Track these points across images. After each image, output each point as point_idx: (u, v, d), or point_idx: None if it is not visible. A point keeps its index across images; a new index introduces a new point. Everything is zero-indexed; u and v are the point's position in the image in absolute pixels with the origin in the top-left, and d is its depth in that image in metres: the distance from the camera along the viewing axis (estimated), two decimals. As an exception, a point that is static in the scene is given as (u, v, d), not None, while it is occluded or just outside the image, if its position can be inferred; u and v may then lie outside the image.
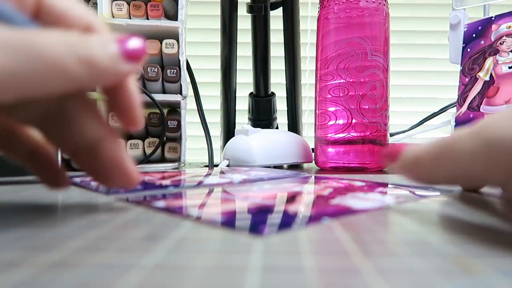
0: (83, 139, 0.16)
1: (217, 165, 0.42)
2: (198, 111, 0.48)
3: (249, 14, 0.53)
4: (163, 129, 0.43)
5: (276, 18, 0.55)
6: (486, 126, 0.13)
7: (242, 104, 0.59)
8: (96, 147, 0.16)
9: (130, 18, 0.44)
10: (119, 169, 0.16)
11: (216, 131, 0.57)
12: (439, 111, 0.60)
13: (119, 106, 0.16)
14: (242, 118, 0.60)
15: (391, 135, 0.57)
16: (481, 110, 0.46)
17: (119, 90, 0.16)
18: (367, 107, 0.41)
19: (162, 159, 0.45)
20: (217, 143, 0.56)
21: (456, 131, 0.15)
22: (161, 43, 0.43)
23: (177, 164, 0.44)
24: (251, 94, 0.56)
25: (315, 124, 0.44)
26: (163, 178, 0.29)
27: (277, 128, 0.58)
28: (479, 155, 0.13)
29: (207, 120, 0.48)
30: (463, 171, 0.14)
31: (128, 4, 0.44)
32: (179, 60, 0.43)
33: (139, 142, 0.43)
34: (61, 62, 0.13)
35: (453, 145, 0.14)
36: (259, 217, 0.16)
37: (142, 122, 0.17)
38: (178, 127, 0.44)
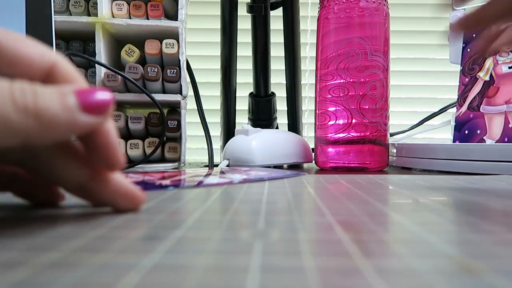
0: (68, 183, 0.16)
1: (217, 165, 0.42)
2: (198, 111, 0.48)
3: (249, 14, 0.53)
4: (163, 129, 0.43)
5: (276, 18, 0.55)
6: None
7: (242, 104, 0.59)
8: (86, 186, 0.16)
9: (130, 18, 0.44)
10: (119, 199, 0.16)
11: (216, 131, 0.57)
12: (439, 111, 0.60)
13: (93, 148, 0.15)
14: (242, 118, 0.60)
15: (391, 135, 0.57)
16: (481, 110, 0.46)
17: (92, 132, 0.14)
18: (367, 107, 0.41)
19: (162, 159, 0.46)
20: (217, 143, 0.56)
21: None
22: (161, 43, 0.43)
23: (177, 164, 0.44)
24: (251, 94, 0.56)
25: (315, 124, 0.44)
26: (163, 178, 0.29)
27: (277, 128, 0.58)
28: None
29: (207, 120, 0.48)
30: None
31: (128, 4, 0.44)
32: (179, 60, 0.43)
33: (139, 142, 0.43)
34: None
35: None
36: None
37: (122, 163, 0.15)
38: (178, 127, 0.44)
